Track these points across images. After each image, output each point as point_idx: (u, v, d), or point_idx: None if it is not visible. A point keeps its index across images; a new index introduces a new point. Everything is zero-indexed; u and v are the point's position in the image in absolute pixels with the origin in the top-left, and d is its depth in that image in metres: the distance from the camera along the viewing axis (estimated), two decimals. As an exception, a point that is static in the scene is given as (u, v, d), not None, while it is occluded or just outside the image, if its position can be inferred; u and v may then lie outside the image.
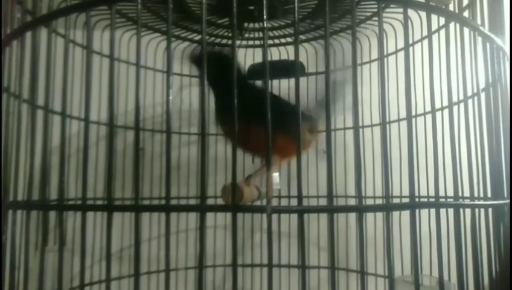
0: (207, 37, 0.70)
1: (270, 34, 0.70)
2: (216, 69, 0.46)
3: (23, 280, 0.37)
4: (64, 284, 0.33)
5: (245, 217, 0.75)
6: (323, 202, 0.72)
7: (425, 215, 0.48)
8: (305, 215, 0.31)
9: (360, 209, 0.31)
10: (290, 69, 0.64)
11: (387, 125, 0.58)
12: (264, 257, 0.76)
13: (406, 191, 0.35)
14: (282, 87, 0.74)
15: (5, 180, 0.41)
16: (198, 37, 0.69)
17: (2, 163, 0.41)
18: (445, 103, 0.38)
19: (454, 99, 0.38)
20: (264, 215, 0.30)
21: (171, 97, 0.33)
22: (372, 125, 0.68)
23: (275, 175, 0.52)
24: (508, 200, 0.42)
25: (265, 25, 0.33)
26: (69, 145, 0.60)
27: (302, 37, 0.70)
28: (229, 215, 0.31)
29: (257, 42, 0.73)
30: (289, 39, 0.72)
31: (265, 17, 0.33)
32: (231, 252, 0.32)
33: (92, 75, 0.35)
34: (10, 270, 0.38)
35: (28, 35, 0.39)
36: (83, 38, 0.57)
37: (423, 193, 0.59)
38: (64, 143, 0.35)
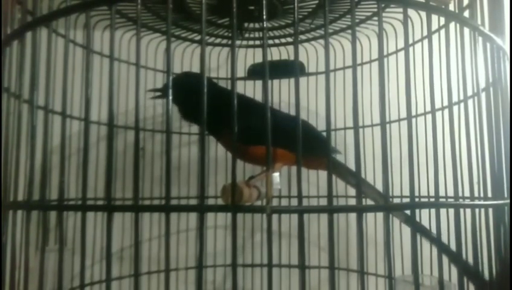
0: (207, 37, 0.70)
1: (270, 34, 0.70)
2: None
3: (23, 280, 0.37)
4: (64, 284, 0.33)
5: (245, 217, 0.75)
6: (323, 202, 0.72)
7: (425, 216, 0.48)
8: (306, 215, 0.31)
9: (360, 209, 0.31)
10: (290, 69, 0.64)
11: (388, 125, 0.59)
12: (264, 257, 0.76)
13: (406, 191, 0.35)
14: (282, 87, 0.75)
15: (5, 180, 0.41)
16: (198, 37, 0.69)
17: (2, 163, 0.41)
18: (445, 103, 0.38)
19: (454, 99, 0.38)
20: (265, 215, 0.30)
21: (171, 97, 0.33)
22: (372, 125, 0.68)
23: (276, 175, 0.52)
24: (508, 200, 0.42)
25: (265, 25, 0.33)
26: (70, 145, 0.60)
27: (302, 37, 0.70)
28: (229, 215, 0.31)
29: (257, 42, 0.73)
30: (289, 39, 0.72)
31: (265, 17, 0.33)
32: (231, 252, 0.32)
33: (92, 75, 0.35)
34: (10, 270, 0.38)
35: (28, 35, 0.39)
36: (84, 38, 0.57)
37: (423, 193, 0.59)
38: (64, 143, 0.35)
